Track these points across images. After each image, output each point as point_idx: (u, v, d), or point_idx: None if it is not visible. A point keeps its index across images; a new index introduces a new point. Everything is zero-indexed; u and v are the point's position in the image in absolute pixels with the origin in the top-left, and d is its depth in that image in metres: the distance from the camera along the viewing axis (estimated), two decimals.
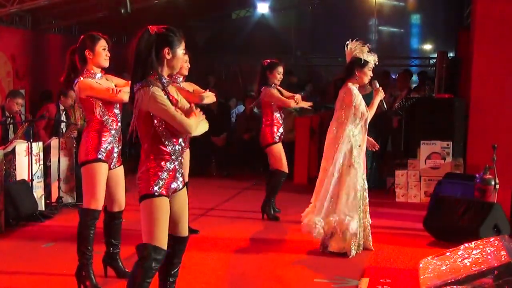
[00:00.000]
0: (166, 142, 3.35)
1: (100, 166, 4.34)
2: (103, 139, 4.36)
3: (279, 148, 6.72)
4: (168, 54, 3.37)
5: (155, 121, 3.30)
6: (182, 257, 3.66)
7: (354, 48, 5.36)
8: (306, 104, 6.84)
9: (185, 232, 3.59)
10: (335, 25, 14.13)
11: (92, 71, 4.39)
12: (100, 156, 4.34)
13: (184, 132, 3.34)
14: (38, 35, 10.20)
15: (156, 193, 3.34)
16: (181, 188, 3.51)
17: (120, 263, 4.63)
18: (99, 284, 4.42)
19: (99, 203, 4.36)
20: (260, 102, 6.74)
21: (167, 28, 3.40)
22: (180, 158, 3.45)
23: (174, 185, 3.43)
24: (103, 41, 4.41)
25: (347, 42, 5.44)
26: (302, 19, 15.18)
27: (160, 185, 3.35)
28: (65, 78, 4.47)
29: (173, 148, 3.38)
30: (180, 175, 3.48)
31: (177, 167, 3.42)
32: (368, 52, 5.36)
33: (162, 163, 3.35)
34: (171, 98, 3.37)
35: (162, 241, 3.36)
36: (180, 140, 3.42)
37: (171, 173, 3.39)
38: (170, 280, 3.59)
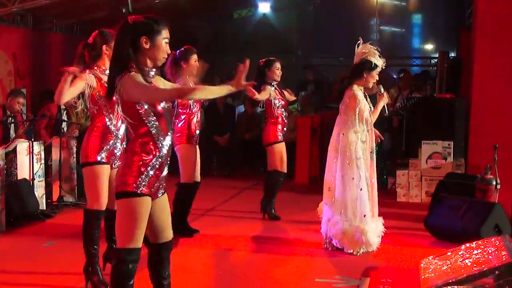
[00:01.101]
0: (156, 138, 3.21)
1: (101, 168, 4.33)
2: (104, 139, 4.33)
3: (280, 148, 6.67)
4: (146, 43, 3.18)
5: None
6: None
7: (366, 50, 5.36)
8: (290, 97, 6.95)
9: (169, 235, 3.41)
10: (336, 25, 14.11)
11: (103, 67, 4.38)
12: (100, 158, 4.32)
13: (163, 98, 3.19)
14: (39, 34, 10.20)
15: (139, 192, 3.16)
16: (163, 194, 3.35)
17: None
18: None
19: (101, 204, 4.37)
20: (264, 100, 6.70)
21: (147, 17, 3.23)
22: (168, 159, 3.31)
23: (156, 185, 3.26)
24: None
25: (358, 42, 5.43)
26: (303, 18, 15.15)
27: (144, 183, 3.18)
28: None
29: (162, 144, 3.24)
30: (164, 178, 3.30)
31: (163, 166, 3.27)
32: (378, 56, 5.36)
33: (149, 159, 3.19)
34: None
35: (138, 242, 3.21)
36: (170, 137, 3.29)
37: (156, 171, 3.23)
38: (164, 283, 3.43)
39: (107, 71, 4.36)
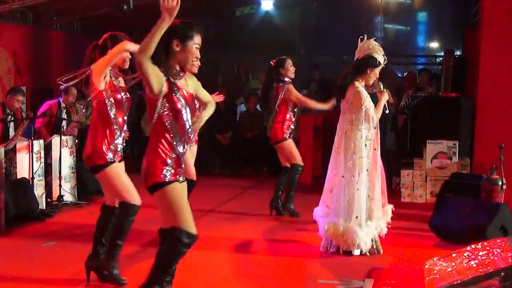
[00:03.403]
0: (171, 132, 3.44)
1: (116, 167, 4.34)
2: (111, 137, 4.31)
3: (290, 143, 6.81)
4: (177, 46, 3.36)
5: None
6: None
7: (372, 47, 5.29)
8: (327, 106, 6.84)
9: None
10: (340, 22, 14.07)
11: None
12: (110, 157, 4.30)
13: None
14: (39, 32, 10.18)
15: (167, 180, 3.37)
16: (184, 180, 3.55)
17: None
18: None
19: (135, 197, 4.35)
20: (281, 99, 6.70)
21: (183, 21, 3.41)
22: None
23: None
24: None
25: (361, 36, 5.37)
26: (306, 16, 15.14)
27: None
28: (81, 76, 4.35)
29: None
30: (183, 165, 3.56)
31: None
32: (382, 54, 5.31)
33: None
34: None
35: (191, 225, 3.40)
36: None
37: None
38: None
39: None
